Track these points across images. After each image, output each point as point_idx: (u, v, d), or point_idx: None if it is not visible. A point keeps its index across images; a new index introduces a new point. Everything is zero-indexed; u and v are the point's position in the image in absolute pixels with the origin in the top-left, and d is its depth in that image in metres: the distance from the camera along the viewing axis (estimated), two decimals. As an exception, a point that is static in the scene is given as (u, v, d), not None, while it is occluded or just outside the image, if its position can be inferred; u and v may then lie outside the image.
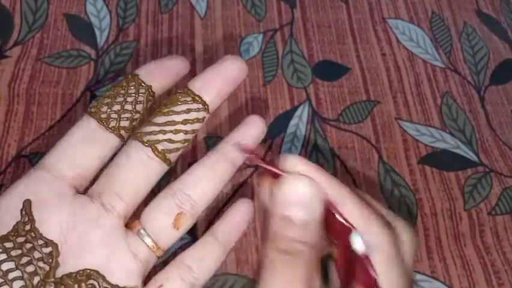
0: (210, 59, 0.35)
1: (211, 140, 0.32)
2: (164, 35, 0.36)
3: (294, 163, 0.22)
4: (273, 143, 0.33)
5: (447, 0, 0.41)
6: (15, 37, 0.34)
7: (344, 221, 0.21)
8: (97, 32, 0.35)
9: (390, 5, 0.40)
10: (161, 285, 0.23)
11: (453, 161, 0.33)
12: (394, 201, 0.32)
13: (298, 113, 0.34)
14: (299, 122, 0.34)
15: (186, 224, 0.25)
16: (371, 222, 0.22)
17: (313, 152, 0.33)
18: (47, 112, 0.32)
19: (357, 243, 0.21)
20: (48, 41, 0.34)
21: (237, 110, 0.33)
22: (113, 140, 0.24)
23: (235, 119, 0.33)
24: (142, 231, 0.24)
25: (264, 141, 0.32)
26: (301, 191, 0.21)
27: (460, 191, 0.32)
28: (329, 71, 0.36)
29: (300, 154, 0.32)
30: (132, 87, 0.25)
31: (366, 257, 0.21)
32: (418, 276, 0.29)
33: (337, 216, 0.21)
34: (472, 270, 0.30)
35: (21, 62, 0.33)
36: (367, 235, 0.21)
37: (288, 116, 0.34)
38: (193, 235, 0.29)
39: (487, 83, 0.37)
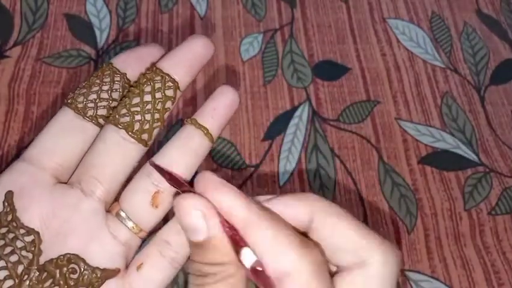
0: (210, 59, 0.35)
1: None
2: (164, 35, 0.36)
3: (205, 184, 0.21)
4: (273, 143, 0.33)
5: (447, 0, 0.41)
6: (15, 37, 0.34)
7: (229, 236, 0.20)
8: (97, 32, 0.35)
9: (390, 5, 0.40)
10: (141, 264, 0.23)
11: (453, 161, 0.33)
12: (394, 201, 0.32)
13: (298, 113, 0.34)
14: (299, 122, 0.34)
15: (165, 203, 0.24)
16: (284, 249, 0.20)
17: (313, 152, 0.33)
18: (47, 112, 0.32)
19: (246, 259, 0.19)
20: (48, 41, 0.34)
21: (237, 110, 0.33)
22: (91, 129, 0.25)
23: (234, 118, 0.33)
24: (121, 213, 0.24)
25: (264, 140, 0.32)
26: (190, 214, 0.20)
27: (460, 191, 0.32)
28: (329, 71, 0.36)
29: (299, 154, 0.32)
30: (107, 76, 0.25)
31: (255, 270, 0.19)
32: (418, 276, 0.29)
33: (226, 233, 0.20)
34: (472, 270, 0.30)
35: (21, 62, 0.33)
36: (278, 263, 0.19)
37: (288, 116, 0.34)
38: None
39: (487, 83, 0.37)
